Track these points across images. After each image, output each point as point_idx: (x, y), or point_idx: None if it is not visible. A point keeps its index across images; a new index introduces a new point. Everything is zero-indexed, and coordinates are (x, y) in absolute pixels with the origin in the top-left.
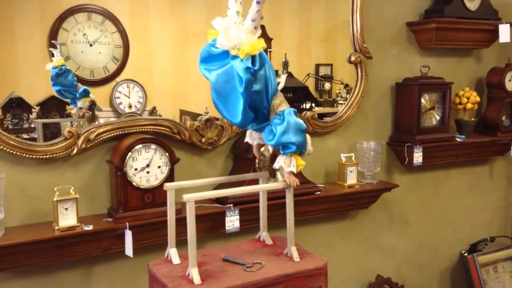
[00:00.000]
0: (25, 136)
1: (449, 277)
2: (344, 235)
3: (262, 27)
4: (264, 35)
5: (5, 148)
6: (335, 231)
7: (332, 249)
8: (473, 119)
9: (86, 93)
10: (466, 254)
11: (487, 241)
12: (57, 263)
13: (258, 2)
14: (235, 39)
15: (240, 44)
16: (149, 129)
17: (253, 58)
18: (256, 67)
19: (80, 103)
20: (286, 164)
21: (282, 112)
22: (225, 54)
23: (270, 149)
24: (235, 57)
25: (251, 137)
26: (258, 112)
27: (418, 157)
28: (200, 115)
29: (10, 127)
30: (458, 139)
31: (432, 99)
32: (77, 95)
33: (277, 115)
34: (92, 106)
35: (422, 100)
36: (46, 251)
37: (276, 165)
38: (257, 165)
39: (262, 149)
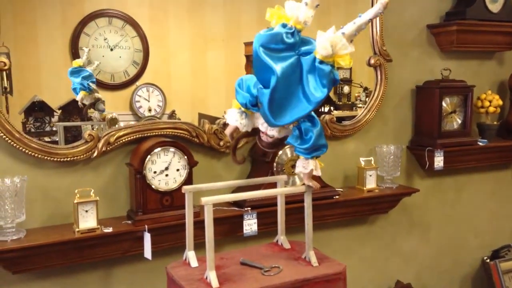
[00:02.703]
0: (46, 139)
1: (470, 284)
2: (363, 240)
3: None
4: None
5: (27, 151)
6: (354, 236)
7: (351, 254)
8: (495, 122)
9: (83, 87)
10: (488, 260)
11: (510, 247)
12: (77, 265)
13: (370, 20)
14: (338, 48)
15: (339, 54)
16: (168, 133)
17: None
18: (339, 80)
19: (79, 96)
20: (315, 167)
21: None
22: (292, 45)
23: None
24: (324, 63)
25: (240, 122)
26: None
27: (439, 161)
28: (218, 118)
29: (32, 130)
30: (480, 143)
31: (454, 102)
32: (77, 88)
33: (305, 119)
34: (95, 102)
35: (443, 104)
36: (67, 252)
37: (302, 169)
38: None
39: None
